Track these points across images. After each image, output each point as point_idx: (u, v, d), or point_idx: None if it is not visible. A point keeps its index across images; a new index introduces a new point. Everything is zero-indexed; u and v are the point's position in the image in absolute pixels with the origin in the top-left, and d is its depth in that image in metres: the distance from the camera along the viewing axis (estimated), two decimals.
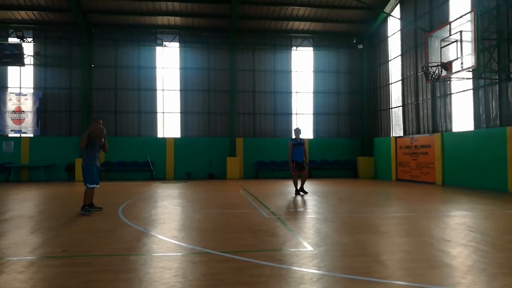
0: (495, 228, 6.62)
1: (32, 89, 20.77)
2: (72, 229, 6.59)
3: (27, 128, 20.58)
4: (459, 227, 6.55)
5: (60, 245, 5.35)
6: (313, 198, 11.08)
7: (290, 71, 22.40)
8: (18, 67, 20.44)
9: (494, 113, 13.43)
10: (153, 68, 21.59)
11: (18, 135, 20.52)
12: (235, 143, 21.18)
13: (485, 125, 13.81)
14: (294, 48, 22.37)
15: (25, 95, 20.61)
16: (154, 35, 21.43)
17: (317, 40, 22.47)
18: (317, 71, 22.56)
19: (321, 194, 12.39)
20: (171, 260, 4.58)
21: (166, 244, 5.41)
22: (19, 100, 20.51)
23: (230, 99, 21.34)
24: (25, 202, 10.85)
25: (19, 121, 20.52)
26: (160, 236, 5.86)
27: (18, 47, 19.85)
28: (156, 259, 4.65)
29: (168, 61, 21.73)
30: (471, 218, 7.53)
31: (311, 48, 22.52)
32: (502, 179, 12.64)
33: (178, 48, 21.77)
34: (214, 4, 19.71)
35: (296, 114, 22.45)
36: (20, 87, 20.79)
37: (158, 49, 21.61)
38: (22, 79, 20.83)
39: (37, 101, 20.58)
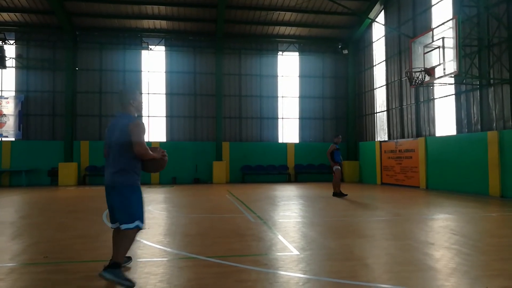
0: (477, 231, 6.75)
1: (14, 92, 20.37)
2: (55, 235, 6.46)
3: (8, 132, 20.15)
4: (443, 230, 6.65)
5: (42, 251, 5.24)
6: (299, 202, 11.12)
7: (276, 76, 22.50)
8: None
9: (475, 118, 13.72)
10: (138, 71, 21.42)
11: None
12: (221, 147, 21.13)
13: (466, 130, 14.09)
14: (280, 52, 22.49)
15: (7, 98, 20.19)
16: (139, 39, 21.29)
17: (303, 45, 22.64)
18: (302, 76, 22.71)
19: (307, 198, 12.44)
20: (157, 266, 4.53)
21: (151, 250, 5.35)
22: (0, 104, 20.09)
23: (216, 103, 21.31)
24: (6, 207, 10.60)
25: (0, 124, 20.08)
26: (145, 242, 5.79)
27: (0, 49, 19.46)
28: (141, 264, 4.59)
29: (154, 65, 21.60)
30: (454, 221, 7.65)
31: (297, 53, 22.68)
32: (483, 183, 12.90)
33: (164, 52, 21.66)
34: (200, 8, 19.70)
35: (282, 118, 22.54)
36: (1, 90, 20.36)
37: (144, 52, 21.46)
38: (3, 81, 20.42)
39: (19, 104, 20.19)
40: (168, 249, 5.33)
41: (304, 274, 4.17)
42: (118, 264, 3.87)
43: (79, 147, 20.40)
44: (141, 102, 4.25)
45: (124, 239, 3.94)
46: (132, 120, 3.99)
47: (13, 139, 20.17)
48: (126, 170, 3.95)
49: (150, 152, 3.98)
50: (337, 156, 12.24)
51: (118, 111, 4.18)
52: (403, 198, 12.42)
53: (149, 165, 4.12)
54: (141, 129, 3.97)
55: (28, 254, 5.17)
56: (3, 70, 20.05)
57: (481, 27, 13.13)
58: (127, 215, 3.92)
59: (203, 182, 20.84)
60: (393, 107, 18.94)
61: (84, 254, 5.09)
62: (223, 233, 6.54)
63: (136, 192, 4.00)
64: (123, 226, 3.91)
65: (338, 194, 12.26)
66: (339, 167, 12.27)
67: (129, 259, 4.54)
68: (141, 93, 4.14)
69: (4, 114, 20.11)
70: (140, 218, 3.99)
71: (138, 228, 3.99)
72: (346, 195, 12.25)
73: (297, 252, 5.08)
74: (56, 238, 6.15)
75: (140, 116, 3.51)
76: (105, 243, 5.73)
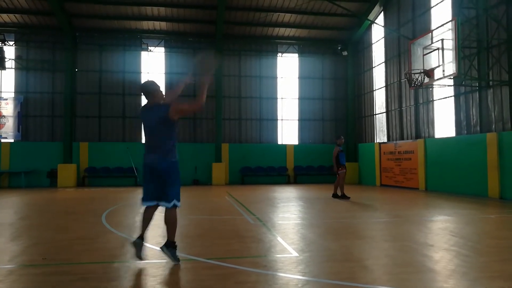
0: (477, 232, 6.75)
1: (13, 93, 20.36)
2: (54, 236, 6.45)
3: (8, 133, 20.13)
4: (442, 232, 6.65)
5: (41, 253, 5.23)
6: (298, 204, 11.11)
7: (276, 77, 22.51)
8: None
9: (474, 120, 13.73)
10: (138, 73, 21.43)
11: None
12: (221, 149, 21.12)
13: (466, 132, 14.10)
14: (279, 54, 22.51)
15: (6, 99, 20.18)
16: (139, 40, 21.30)
17: (303, 46, 22.67)
18: (302, 77, 22.73)
19: (306, 199, 12.43)
20: (156, 267, 4.52)
21: (151, 251, 5.34)
22: None
23: (216, 104, 21.31)
24: (5, 209, 10.59)
25: None
26: (144, 243, 5.77)
27: None
28: (140, 266, 4.59)
29: (153, 66, 21.61)
30: (453, 223, 7.65)
31: (297, 55, 22.70)
32: (482, 185, 12.90)
33: (164, 53, 21.68)
34: (200, 10, 19.72)
35: (282, 120, 22.55)
36: (0, 91, 20.36)
37: (144, 54, 21.48)
38: (2, 83, 20.42)
39: (18, 105, 20.18)
40: None
41: (303, 275, 4.16)
42: (174, 242, 4.59)
43: (79, 148, 20.38)
44: (161, 92, 4.78)
45: (168, 218, 4.58)
46: (168, 104, 4.55)
47: (12, 140, 20.16)
48: (170, 150, 4.51)
49: (197, 100, 4.48)
50: (342, 158, 12.12)
51: (147, 104, 4.72)
52: (402, 200, 12.42)
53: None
54: (180, 103, 4.56)
55: (27, 255, 5.16)
56: (3, 71, 20.06)
57: (480, 29, 13.16)
58: (174, 192, 4.49)
59: (202, 184, 20.83)
60: (392, 108, 18.96)
61: (83, 255, 5.08)
62: (223, 234, 6.53)
63: (177, 169, 4.59)
64: (171, 204, 4.48)
65: (340, 196, 12.13)
66: (345, 170, 12.14)
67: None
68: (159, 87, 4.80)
69: (3, 115, 20.09)
70: (177, 197, 4.55)
71: (176, 207, 4.56)
72: (349, 198, 12.08)
73: (296, 254, 5.07)
74: (55, 240, 6.14)
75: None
76: (104, 244, 5.73)
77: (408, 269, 4.37)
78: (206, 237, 6.32)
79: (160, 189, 4.51)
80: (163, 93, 4.83)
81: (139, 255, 4.57)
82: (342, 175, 12.08)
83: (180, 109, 4.56)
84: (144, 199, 4.61)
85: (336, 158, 12.09)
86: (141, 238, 4.64)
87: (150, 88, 4.70)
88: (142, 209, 4.73)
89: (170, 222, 4.60)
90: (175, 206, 4.53)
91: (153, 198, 4.57)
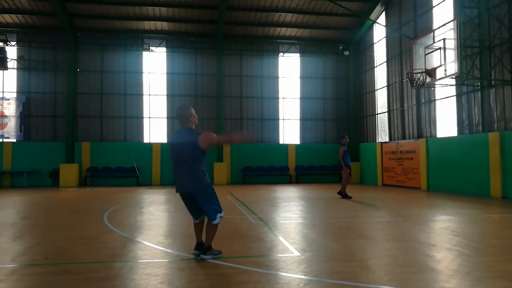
0: (479, 232, 6.73)
1: (15, 93, 20.41)
2: (56, 236, 6.47)
3: (10, 133, 20.17)
4: (444, 232, 6.63)
5: (43, 252, 5.23)
6: (300, 203, 11.11)
7: (277, 77, 22.50)
8: (0, 71, 20.06)
9: (476, 119, 13.70)
10: (139, 73, 21.44)
11: (0, 140, 20.11)
12: (222, 148, 21.12)
13: (468, 131, 14.07)
14: (281, 54, 22.50)
15: (8, 99, 20.23)
16: (140, 40, 21.32)
17: (304, 46, 22.65)
18: (303, 77, 22.72)
19: (308, 199, 12.42)
20: (157, 267, 4.52)
21: (152, 251, 5.35)
22: (1, 105, 20.12)
23: (217, 104, 21.32)
24: (7, 208, 10.61)
25: (1, 126, 20.11)
26: (146, 243, 5.79)
27: (1, 50, 19.45)
28: (142, 265, 4.59)
29: (154, 66, 21.62)
30: (455, 223, 7.64)
31: (298, 54, 22.69)
32: (484, 184, 12.87)
33: (165, 53, 21.69)
34: (201, 10, 19.72)
35: (283, 119, 22.54)
36: (2, 91, 20.40)
37: (145, 53, 21.49)
38: (4, 83, 20.46)
39: (21, 105, 20.22)
40: (169, 251, 5.32)
41: (305, 275, 4.16)
42: (210, 246, 4.82)
43: (80, 148, 20.42)
44: (196, 116, 4.86)
45: (209, 230, 4.83)
46: (199, 132, 4.66)
47: (15, 140, 20.20)
48: (200, 176, 4.66)
49: (225, 138, 5.12)
50: (346, 159, 12.09)
51: (180, 127, 4.86)
52: (404, 199, 12.40)
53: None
54: (209, 134, 4.69)
55: (29, 255, 5.17)
56: (5, 71, 20.08)
57: (482, 28, 13.13)
58: (212, 211, 4.72)
59: None
60: (394, 108, 18.93)
61: (85, 255, 5.09)
62: (224, 234, 6.52)
63: (210, 190, 4.76)
64: (213, 222, 4.76)
65: (342, 195, 12.20)
66: (349, 171, 12.12)
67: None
68: (192, 110, 4.90)
69: (5, 115, 20.14)
70: (220, 211, 4.83)
71: (221, 218, 4.86)
72: (351, 197, 12.13)
73: (298, 254, 5.07)
74: (57, 239, 6.15)
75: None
76: (106, 244, 5.73)
77: (410, 269, 4.36)
78: None
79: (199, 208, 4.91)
80: (196, 118, 4.90)
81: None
82: (346, 175, 12.09)
83: (209, 139, 4.69)
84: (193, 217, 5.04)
85: (343, 159, 12.07)
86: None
87: (179, 112, 4.86)
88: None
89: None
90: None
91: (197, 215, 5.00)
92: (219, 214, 4.79)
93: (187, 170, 4.65)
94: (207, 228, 4.85)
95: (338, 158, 12.25)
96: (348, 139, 12.67)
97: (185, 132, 4.73)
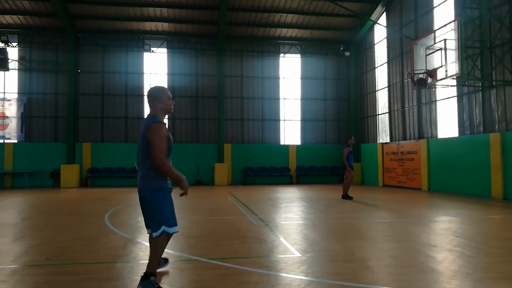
0: (480, 233, 6.73)
1: (16, 94, 20.44)
2: (57, 237, 6.47)
3: (11, 134, 20.21)
4: (445, 232, 6.62)
5: (44, 253, 5.24)
6: (301, 204, 11.10)
7: (278, 78, 22.51)
8: (2, 72, 20.10)
9: (477, 120, 13.68)
10: (140, 73, 21.47)
11: (1, 141, 20.14)
12: (223, 149, 21.13)
13: (469, 132, 14.05)
14: (282, 54, 22.51)
15: (9, 100, 20.26)
16: (141, 41, 21.34)
17: (305, 47, 22.66)
18: (304, 78, 22.72)
19: (308, 200, 12.42)
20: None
21: None
22: (2, 106, 20.15)
23: (218, 105, 21.32)
24: (8, 209, 10.62)
25: (2, 126, 20.15)
26: (146, 243, 5.78)
27: (3, 51, 19.48)
28: (143, 266, 4.58)
29: (155, 67, 21.64)
30: (456, 224, 7.63)
31: (299, 55, 22.69)
32: (485, 185, 12.86)
33: (166, 54, 21.71)
34: (202, 11, 19.74)
35: (284, 120, 22.54)
36: (4, 92, 20.44)
37: (146, 54, 21.51)
38: (6, 84, 20.50)
39: (22, 106, 20.25)
40: (170, 251, 5.32)
41: (305, 276, 4.16)
42: (149, 275, 3.71)
43: (81, 149, 20.45)
44: (168, 104, 3.87)
45: (151, 247, 3.81)
46: (152, 122, 3.70)
47: (16, 141, 20.23)
48: (151, 176, 3.70)
49: (168, 165, 3.64)
50: (350, 160, 12.09)
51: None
52: (405, 200, 12.39)
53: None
54: (159, 133, 3.62)
55: (30, 255, 5.18)
56: (6, 72, 20.12)
57: (483, 29, 13.12)
58: (154, 222, 3.72)
59: (205, 184, 20.84)
60: (395, 109, 18.92)
61: (86, 256, 5.10)
62: (225, 235, 6.53)
63: (162, 195, 3.74)
64: (153, 234, 3.73)
65: (345, 196, 12.21)
66: (352, 172, 12.12)
67: (166, 261, 4.49)
68: (169, 96, 3.87)
69: (6, 116, 20.17)
70: (166, 223, 3.71)
71: (166, 233, 3.75)
72: (352, 198, 12.16)
73: (298, 254, 5.07)
74: (58, 240, 6.15)
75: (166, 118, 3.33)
76: (106, 244, 5.74)
77: (411, 270, 4.36)
78: (209, 237, 6.32)
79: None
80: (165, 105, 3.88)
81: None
82: (350, 177, 12.11)
83: (154, 137, 3.64)
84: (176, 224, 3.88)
85: (347, 159, 12.07)
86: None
87: (147, 94, 3.94)
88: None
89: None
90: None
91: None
92: (164, 227, 3.70)
93: (141, 166, 3.78)
94: (149, 243, 3.89)
95: (339, 158, 12.26)
96: (354, 141, 12.65)
97: (145, 119, 3.83)
